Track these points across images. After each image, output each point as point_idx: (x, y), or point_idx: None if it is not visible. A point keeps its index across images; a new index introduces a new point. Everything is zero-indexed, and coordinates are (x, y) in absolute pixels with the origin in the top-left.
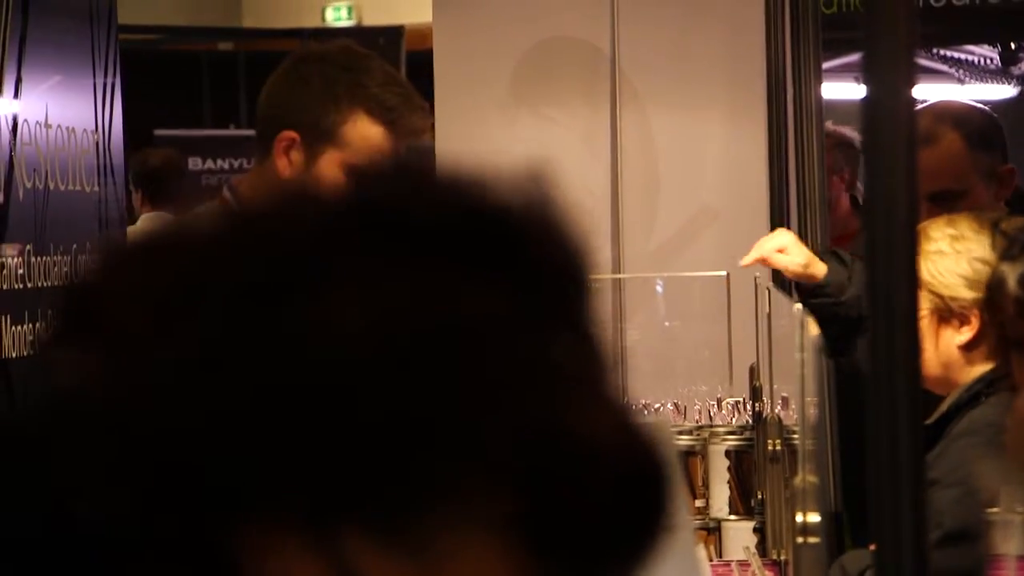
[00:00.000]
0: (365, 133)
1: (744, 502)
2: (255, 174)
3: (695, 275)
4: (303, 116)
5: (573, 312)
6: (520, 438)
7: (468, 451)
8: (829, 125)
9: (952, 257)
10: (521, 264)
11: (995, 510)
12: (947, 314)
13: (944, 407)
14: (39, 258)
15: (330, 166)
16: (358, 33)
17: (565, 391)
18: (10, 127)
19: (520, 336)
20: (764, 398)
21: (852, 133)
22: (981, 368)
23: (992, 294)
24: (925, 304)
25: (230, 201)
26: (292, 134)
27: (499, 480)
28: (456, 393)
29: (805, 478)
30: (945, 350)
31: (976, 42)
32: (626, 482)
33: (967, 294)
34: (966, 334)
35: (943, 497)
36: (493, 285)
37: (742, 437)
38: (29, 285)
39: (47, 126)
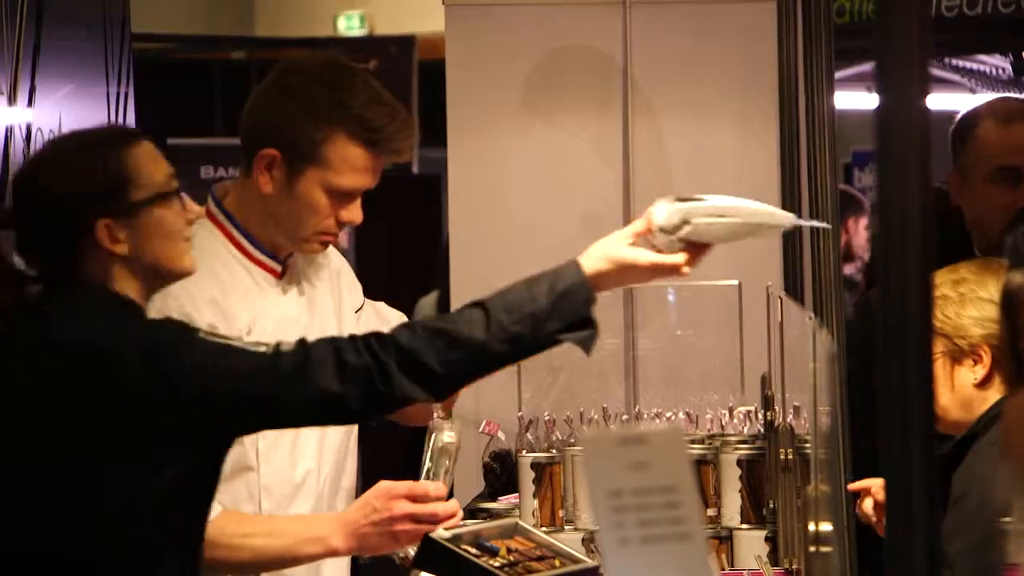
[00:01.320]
0: (346, 154)
1: (756, 511)
2: (240, 186)
3: (707, 284)
4: (284, 134)
5: None
6: None
7: None
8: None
9: (956, 300)
10: None
11: (1008, 519)
12: (959, 354)
13: (959, 436)
14: None
15: (311, 185)
16: (370, 43)
17: None
18: (24, 135)
19: None
20: (776, 407)
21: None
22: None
23: (1008, 302)
24: (937, 348)
25: (214, 211)
26: (273, 152)
27: None
28: None
29: (817, 487)
30: (961, 390)
31: (988, 52)
32: None
33: (976, 331)
34: (980, 372)
35: (968, 506)
36: None
37: (754, 446)
38: None
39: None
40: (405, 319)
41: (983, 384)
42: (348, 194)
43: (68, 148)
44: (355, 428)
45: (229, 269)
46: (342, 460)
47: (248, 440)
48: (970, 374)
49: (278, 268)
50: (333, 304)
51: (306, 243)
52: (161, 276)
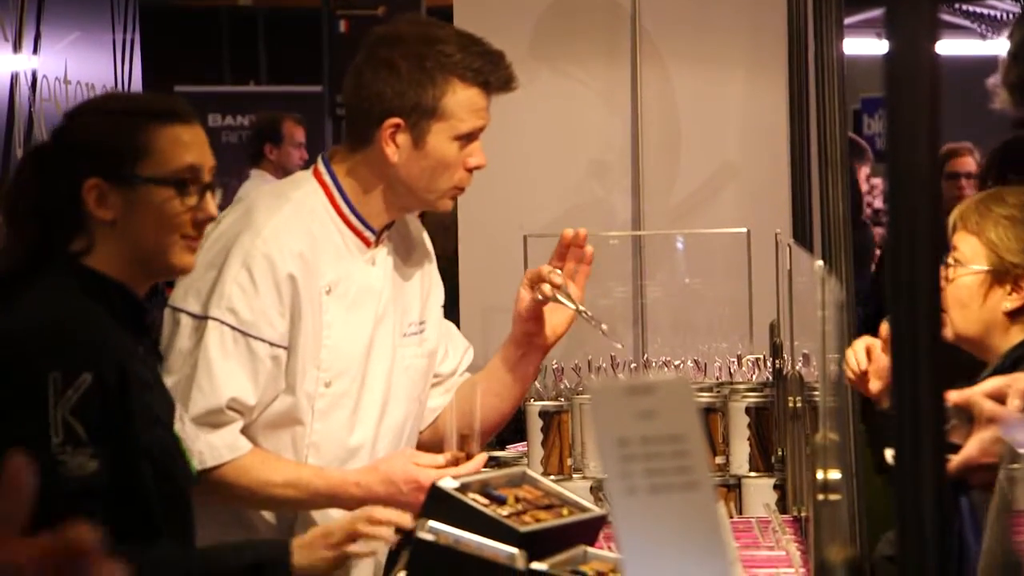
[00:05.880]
0: (464, 98)
1: (764, 459)
2: (352, 158)
3: (716, 232)
4: (402, 100)
5: None
6: None
7: None
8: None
9: (1022, 225)
10: None
11: (1017, 466)
12: (1002, 276)
13: (986, 374)
14: None
15: (440, 139)
16: None
17: None
18: (29, 83)
19: None
20: (785, 355)
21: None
22: (1020, 336)
23: None
24: (984, 262)
25: (322, 171)
26: (396, 120)
27: None
28: None
29: (826, 435)
30: (989, 310)
31: None
32: None
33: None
34: (1015, 300)
35: None
36: None
37: (762, 394)
38: None
39: (66, 82)
40: (468, 346)
41: (1013, 315)
42: (470, 137)
43: (104, 106)
44: (419, 407)
45: (324, 228)
46: (399, 437)
47: (304, 394)
48: (1004, 299)
49: (371, 238)
50: (421, 290)
51: (441, 200)
52: (147, 264)
